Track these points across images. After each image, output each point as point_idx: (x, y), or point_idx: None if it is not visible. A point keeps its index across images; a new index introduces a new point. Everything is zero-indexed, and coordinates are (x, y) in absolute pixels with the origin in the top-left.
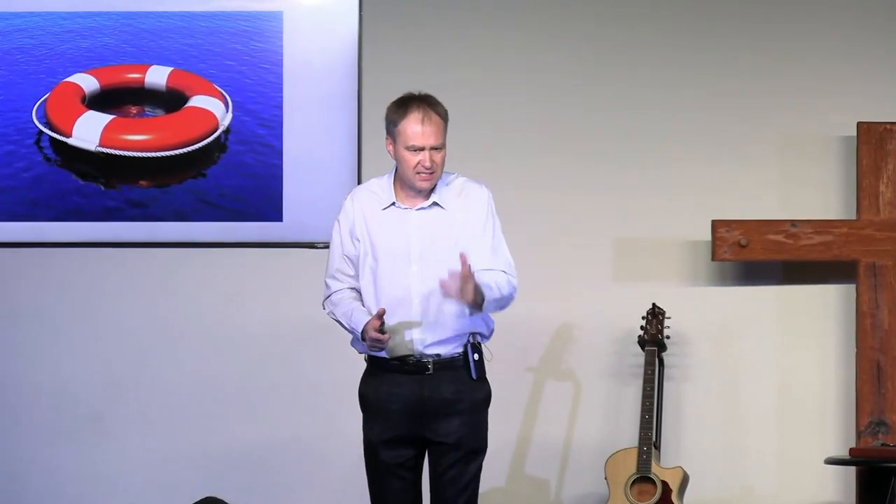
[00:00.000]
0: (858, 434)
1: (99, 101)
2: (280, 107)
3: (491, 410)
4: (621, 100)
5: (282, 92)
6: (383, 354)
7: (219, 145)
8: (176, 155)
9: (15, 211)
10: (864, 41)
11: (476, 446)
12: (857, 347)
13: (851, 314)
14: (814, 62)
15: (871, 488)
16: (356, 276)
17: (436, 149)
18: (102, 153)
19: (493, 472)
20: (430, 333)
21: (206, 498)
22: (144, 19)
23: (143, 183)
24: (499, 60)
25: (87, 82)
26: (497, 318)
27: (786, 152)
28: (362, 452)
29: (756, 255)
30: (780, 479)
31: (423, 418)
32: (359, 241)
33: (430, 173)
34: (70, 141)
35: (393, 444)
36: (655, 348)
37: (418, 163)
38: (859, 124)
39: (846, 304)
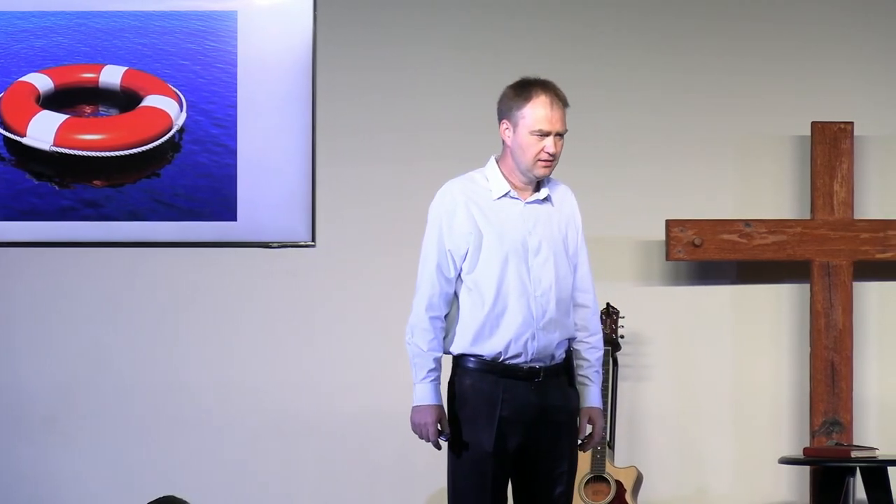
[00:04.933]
0: (812, 434)
1: (53, 101)
2: (234, 106)
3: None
4: (575, 100)
5: (236, 91)
6: (502, 352)
7: (173, 145)
8: (130, 154)
9: None
10: (819, 41)
11: (575, 460)
12: (811, 347)
13: (805, 314)
14: (768, 62)
15: (825, 488)
16: (455, 279)
17: (560, 135)
18: (57, 153)
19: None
20: (548, 333)
21: (164, 497)
22: (99, 19)
23: (97, 182)
24: (453, 60)
25: (42, 82)
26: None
27: (740, 152)
28: (450, 465)
29: (710, 255)
30: (734, 479)
31: (533, 428)
32: (470, 234)
33: (552, 160)
34: (24, 140)
35: (503, 455)
36: (609, 348)
37: (542, 149)
38: (813, 124)
39: (800, 303)
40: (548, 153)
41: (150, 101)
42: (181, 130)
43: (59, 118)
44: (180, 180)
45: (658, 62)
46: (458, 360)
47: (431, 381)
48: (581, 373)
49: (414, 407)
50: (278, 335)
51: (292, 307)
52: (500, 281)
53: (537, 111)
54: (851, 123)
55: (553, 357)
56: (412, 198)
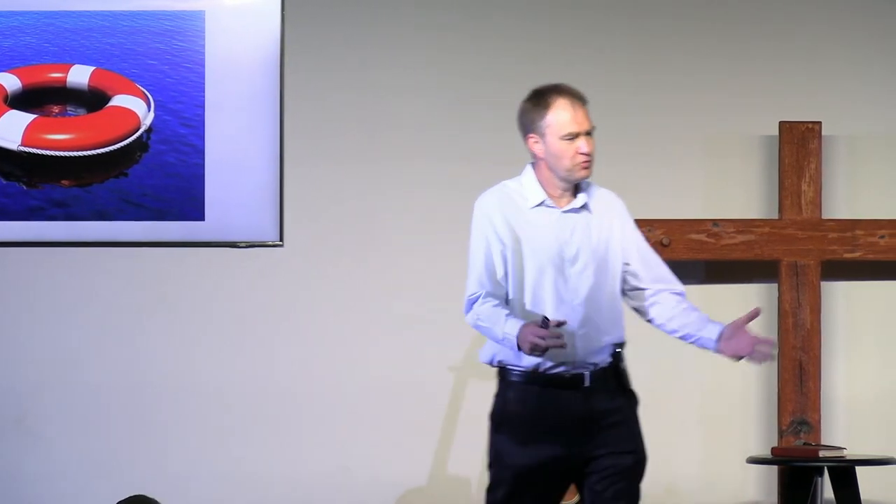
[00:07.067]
0: (780, 433)
1: (21, 101)
2: (202, 106)
3: (413, 410)
4: None
5: (204, 91)
6: (542, 362)
7: (141, 145)
8: (98, 154)
9: None
10: (786, 40)
11: (642, 455)
12: (778, 347)
13: (773, 313)
14: (736, 61)
15: (793, 488)
16: (504, 279)
17: (589, 133)
18: (25, 152)
19: (413, 472)
20: (589, 341)
21: (134, 496)
22: (66, 18)
23: (65, 182)
24: (422, 59)
25: (9, 82)
26: (420, 317)
27: (708, 151)
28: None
29: (678, 255)
30: (702, 479)
31: (582, 436)
32: (504, 244)
33: (589, 160)
34: None
35: (551, 468)
36: None
37: (576, 151)
38: (781, 123)
39: (768, 303)
40: (583, 154)
41: (118, 100)
42: (149, 130)
43: (26, 118)
44: (148, 180)
45: (625, 62)
46: (502, 372)
47: (507, 318)
48: (691, 330)
49: (518, 342)
50: (246, 334)
51: (260, 307)
52: (536, 291)
53: (560, 116)
54: (819, 123)
55: (596, 364)
56: (380, 198)
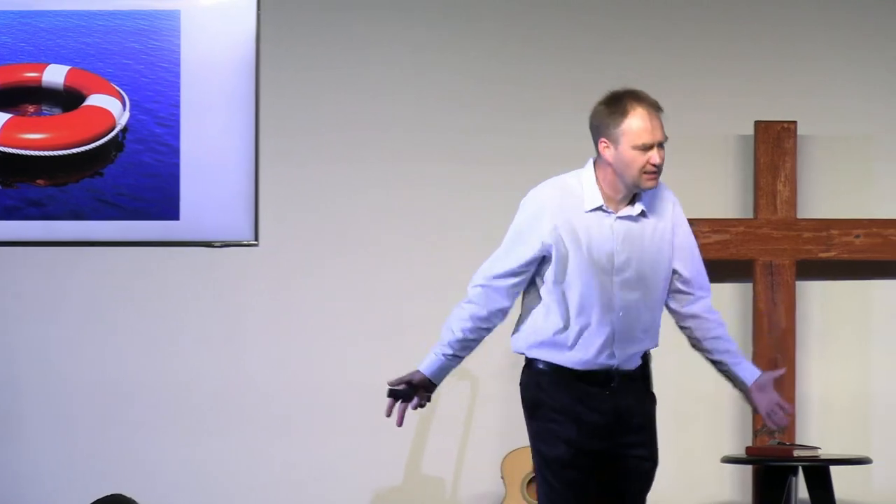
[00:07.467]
0: (755, 433)
1: None
2: (177, 106)
3: None
4: (523, 101)
5: (179, 91)
6: (577, 361)
7: (116, 144)
8: (73, 154)
9: None
10: (761, 40)
11: (657, 459)
12: (753, 346)
13: (748, 313)
14: (711, 61)
15: (767, 487)
16: (523, 280)
17: (661, 145)
18: (0, 152)
19: (389, 472)
20: (625, 348)
21: (110, 495)
22: (42, 18)
23: (40, 182)
24: (398, 59)
25: None
26: (395, 317)
27: (683, 151)
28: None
29: None
30: (677, 478)
31: (608, 433)
32: (555, 241)
33: (658, 171)
34: None
35: (580, 458)
36: None
37: (646, 161)
38: (757, 123)
39: (743, 302)
40: (653, 165)
41: (94, 100)
42: (124, 130)
43: (2, 117)
44: (123, 179)
45: (601, 63)
46: (532, 362)
47: (440, 346)
48: (726, 358)
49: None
50: (221, 334)
51: (235, 306)
52: (582, 297)
53: (636, 125)
54: (795, 123)
55: (629, 369)
56: (356, 197)
